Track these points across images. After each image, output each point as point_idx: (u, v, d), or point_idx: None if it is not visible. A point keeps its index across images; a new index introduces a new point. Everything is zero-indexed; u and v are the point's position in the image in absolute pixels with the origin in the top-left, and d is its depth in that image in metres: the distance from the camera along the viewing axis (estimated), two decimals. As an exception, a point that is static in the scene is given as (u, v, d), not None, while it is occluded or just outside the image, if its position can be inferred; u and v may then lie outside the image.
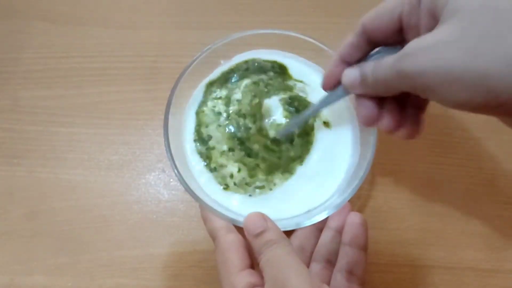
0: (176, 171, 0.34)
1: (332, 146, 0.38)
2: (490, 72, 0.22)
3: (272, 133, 0.38)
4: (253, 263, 0.31)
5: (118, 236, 0.42)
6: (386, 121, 0.30)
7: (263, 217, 0.30)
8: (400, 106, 0.30)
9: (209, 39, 0.39)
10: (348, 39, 0.31)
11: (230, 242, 0.31)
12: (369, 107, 0.30)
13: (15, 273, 0.40)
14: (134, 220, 0.42)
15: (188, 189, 0.33)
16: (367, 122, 0.31)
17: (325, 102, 0.34)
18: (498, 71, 0.22)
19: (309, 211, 0.35)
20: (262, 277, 0.29)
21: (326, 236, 0.36)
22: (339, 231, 0.35)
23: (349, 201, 0.33)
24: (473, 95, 0.23)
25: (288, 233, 0.35)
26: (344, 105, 0.40)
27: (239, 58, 0.42)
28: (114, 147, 0.46)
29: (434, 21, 0.25)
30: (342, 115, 0.40)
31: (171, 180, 0.44)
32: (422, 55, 0.24)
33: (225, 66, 0.41)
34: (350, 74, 0.30)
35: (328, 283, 0.34)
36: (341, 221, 0.35)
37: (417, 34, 0.27)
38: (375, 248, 0.40)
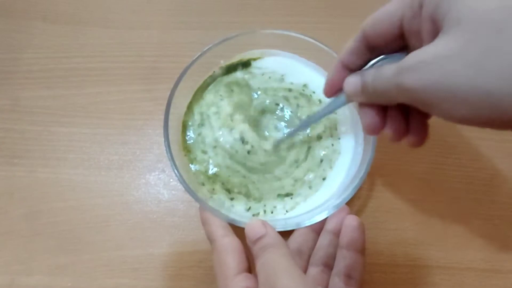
0: (176, 171, 0.34)
1: (333, 147, 0.38)
2: (494, 89, 0.21)
3: (269, 144, 0.38)
4: (251, 268, 0.31)
5: (118, 236, 0.41)
6: (390, 129, 0.29)
7: (263, 224, 0.30)
8: (404, 113, 0.29)
9: (209, 39, 0.39)
10: (349, 44, 0.29)
11: (227, 245, 0.31)
12: (371, 115, 0.29)
13: (15, 273, 0.40)
14: (134, 220, 0.42)
15: (188, 189, 0.33)
16: (371, 131, 0.30)
17: (328, 110, 0.34)
18: (503, 88, 0.21)
19: (309, 211, 0.35)
20: (258, 281, 0.28)
21: (324, 239, 0.36)
22: (337, 234, 0.35)
23: (349, 201, 0.33)
24: (477, 112, 0.22)
25: (287, 235, 0.35)
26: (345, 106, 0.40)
27: (239, 58, 0.42)
28: (114, 147, 0.46)
29: (436, 27, 0.24)
30: (344, 117, 0.40)
31: (171, 180, 0.44)
32: (423, 70, 0.23)
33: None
34: (352, 82, 0.29)
35: (326, 287, 0.34)
36: (338, 224, 0.35)
37: (419, 40, 0.26)
38: (375, 248, 0.40)
